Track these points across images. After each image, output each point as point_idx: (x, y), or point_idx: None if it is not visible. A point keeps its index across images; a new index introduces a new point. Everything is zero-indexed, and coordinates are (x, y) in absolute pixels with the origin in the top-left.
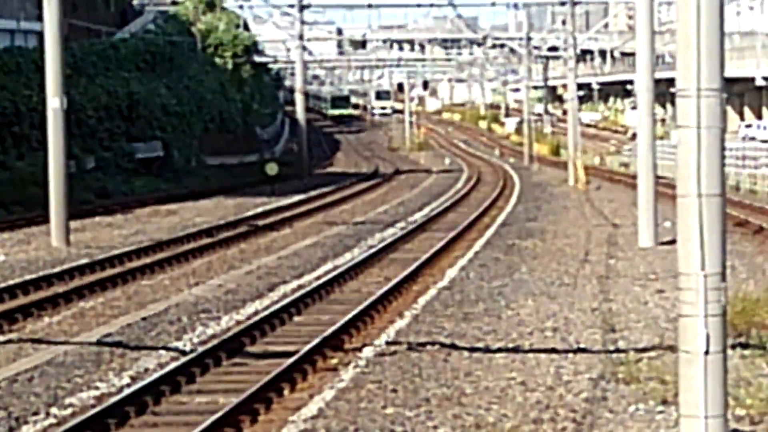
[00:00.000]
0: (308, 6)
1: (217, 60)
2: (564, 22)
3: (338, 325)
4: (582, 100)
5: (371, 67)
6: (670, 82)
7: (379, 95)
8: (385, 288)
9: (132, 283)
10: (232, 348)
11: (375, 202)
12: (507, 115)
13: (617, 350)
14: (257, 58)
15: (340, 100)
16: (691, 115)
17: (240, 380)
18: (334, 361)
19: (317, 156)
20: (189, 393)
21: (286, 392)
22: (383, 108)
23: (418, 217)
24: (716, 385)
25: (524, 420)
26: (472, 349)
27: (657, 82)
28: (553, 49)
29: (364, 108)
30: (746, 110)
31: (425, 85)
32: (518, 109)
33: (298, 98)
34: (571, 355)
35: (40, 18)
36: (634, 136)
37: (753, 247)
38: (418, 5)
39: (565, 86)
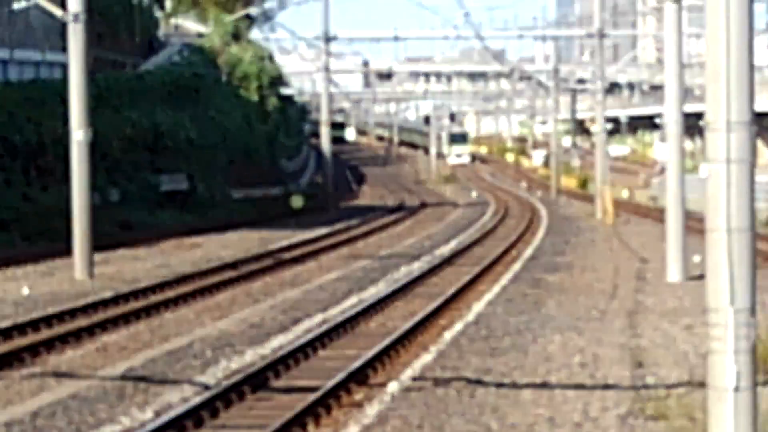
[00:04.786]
0: (334, 38)
1: (243, 92)
2: (592, 55)
3: (363, 359)
4: (610, 133)
5: (397, 99)
6: (699, 115)
7: (454, 138)
8: (411, 322)
9: (156, 316)
10: (256, 382)
11: (401, 236)
12: (534, 148)
13: (645, 386)
14: (283, 91)
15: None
16: (720, 149)
17: (264, 415)
18: (359, 396)
19: (343, 189)
20: (213, 428)
21: (310, 427)
22: (459, 155)
23: (445, 250)
24: (746, 422)
25: None
26: (499, 385)
27: (686, 115)
28: (581, 81)
29: (390, 141)
30: None
31: (452, 117)
32: (546, 142)
33: (324, 131)
34: (598, 390)
35: (64, 49)
36: (662, 170)
37: None
38: (445, 38)
39: (593, 119)
